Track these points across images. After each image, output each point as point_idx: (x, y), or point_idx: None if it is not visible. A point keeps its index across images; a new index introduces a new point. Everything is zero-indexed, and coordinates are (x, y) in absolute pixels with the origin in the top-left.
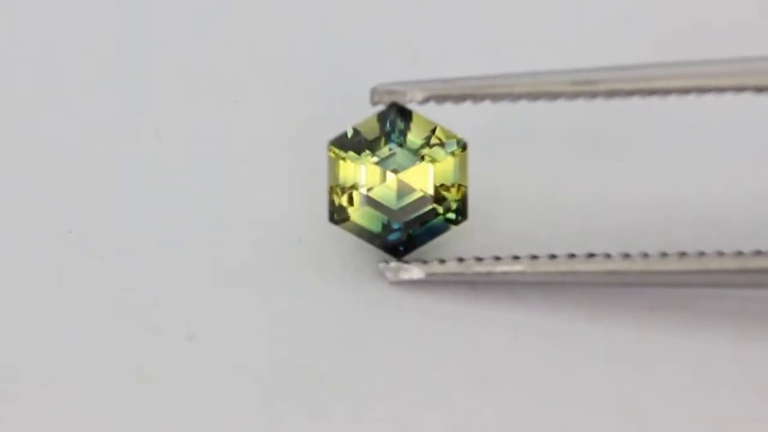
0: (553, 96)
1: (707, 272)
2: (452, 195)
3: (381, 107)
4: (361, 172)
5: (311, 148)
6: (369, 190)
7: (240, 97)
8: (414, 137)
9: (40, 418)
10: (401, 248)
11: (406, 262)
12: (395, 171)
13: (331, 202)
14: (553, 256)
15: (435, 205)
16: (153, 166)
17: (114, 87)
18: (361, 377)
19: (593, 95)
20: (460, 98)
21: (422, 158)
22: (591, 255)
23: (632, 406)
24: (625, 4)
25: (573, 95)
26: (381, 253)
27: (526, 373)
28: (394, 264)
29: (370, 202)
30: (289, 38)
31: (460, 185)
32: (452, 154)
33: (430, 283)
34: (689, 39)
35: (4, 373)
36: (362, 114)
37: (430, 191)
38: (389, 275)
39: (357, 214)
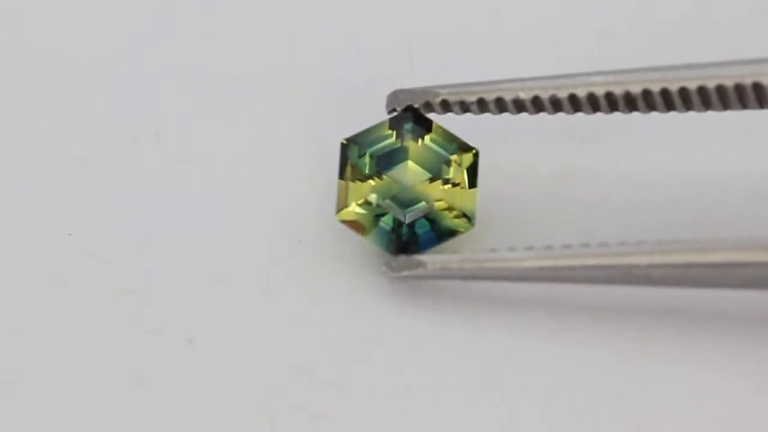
0: (577, 104)
1: (710, 266)
2: (462, 199)
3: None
4: (371, 180)
5: (310, 150)
6: (378, 192)
7: (239, 100)
8: (425, 142)
9: (41, 419)
10: (406, 252)
11: (410, 257)
12: (405, 179)
13: (340, 205)
14: (556, 251)
15: (444, 214)
16: (153, 168)
17: (115, 90)
18: (362, 378)
19: (614, 108)
20: (478, 107)
21: (434, 167)
22: (585, 245)
23: (632, 405)
24: (626, 6)
25: (592, 107)
26: (383, 253)
27: (528, 372)
28: (397, 260)
29: (379, 204)
30: (288, 42)
31: (469, 194)
32: (464, 164)
33: (432, 281)
34: (692, 43)
35: (4, 374)
36: (361, 116)
37: (440, 201)
38: (393, 272)
39: (364, 216)
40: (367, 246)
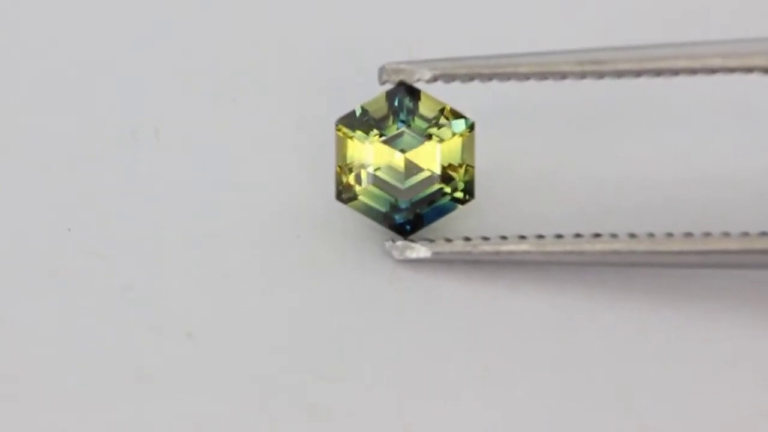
0: (561, 76)
1: (713, 252)
2: (459, 174)
3: (388, 86)
4: (369, 151)
5: (310, 147)
6: (376, 169)
7: (239, 96)
8: (422, 116)
9: (40, 417)
10: (408, 227)
11: (413, 240)
12: (403, 150)
13: (338, 181)
14: (559, 236)
15: (442, 185)
16: (152, 164)
17: (113, 86)
18: (364, 372)
19: (600, 75)
20: (467, 77)
21: (430, 137)
22: (597, 235)
23: (633, 398)
24: (626, 4)
25: (580, 75)
26: (386, 235)
27: (533, 355)
28: (400, 243)
29: (378, 180)
30: (287, 40)
31: (467, 165)
32: (460, 134)
33: (436, 262)
34: (695, 21)
35: (4, 372)
36: None
37: (438, 170)
38: (395, 254)
39: (364, 192)
40: (367, 238)
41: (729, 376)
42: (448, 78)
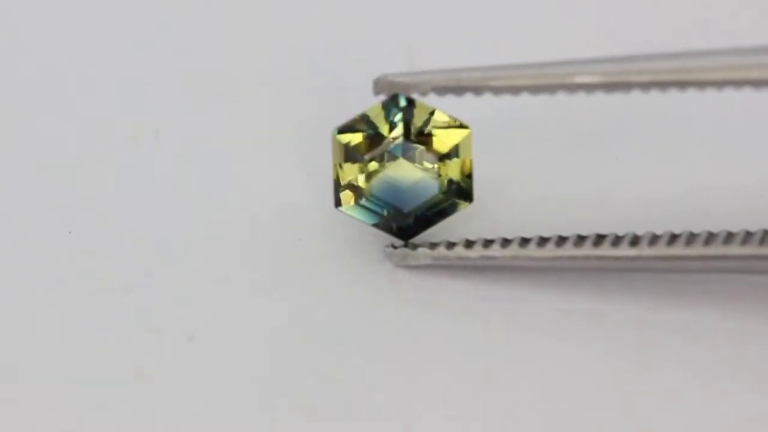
0: (553, 89)
1: (715, 257)
2: (457, 177)
3: (383, 97)
4: (367, 158)
5: (309, 148)
6: (375, 174)
7: (239, 98)
8: (418, 122)
9: (40, 418)
10: (407, 231)
11: (413, 246)
12: (400, 155)
13: (337, 188)
14: (561, 241)
15: (440, 188)
16: (152, 166)
17: (114, 88)
18: (364, 374)
19: (593, 89)
20: (461, 90)
21: (427, 142)
22: (599, 240)
23: (633, 400)
24: (627, 4)
25: (574, 89)
26: (386, 238)
27: (533, 359)
28: (400, 249)
29: (376, 186)
30: (288, 42)
31: (464, 163)
32: (457, 138)
33: (436, 267)
34: (695, 22)
35: (4, 372)
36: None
37: (436, 174)
38: (395, 260)
39: (363, 199)
40: (371, 234)
41: (730, 379)
42: (442, 90)
